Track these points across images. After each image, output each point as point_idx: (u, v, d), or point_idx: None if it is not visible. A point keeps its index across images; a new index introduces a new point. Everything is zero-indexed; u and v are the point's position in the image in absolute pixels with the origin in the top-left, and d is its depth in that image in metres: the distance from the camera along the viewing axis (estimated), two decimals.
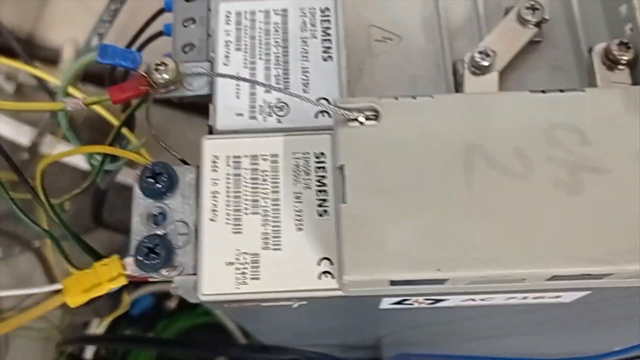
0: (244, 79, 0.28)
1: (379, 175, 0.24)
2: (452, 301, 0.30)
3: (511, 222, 0.24)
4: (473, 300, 0.30)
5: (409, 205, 0.24)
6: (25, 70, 0.83)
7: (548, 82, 0.29)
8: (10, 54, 0.86)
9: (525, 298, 0.29)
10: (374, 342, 0.54)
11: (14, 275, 0.91)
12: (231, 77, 0.28)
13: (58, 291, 0.27)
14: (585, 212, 0.23)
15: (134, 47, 0.36)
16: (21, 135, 0.92)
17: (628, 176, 0.24)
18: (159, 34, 0.35)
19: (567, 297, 0.30)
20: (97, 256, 0.30)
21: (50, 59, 0.99)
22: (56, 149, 0.85)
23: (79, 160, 0.80)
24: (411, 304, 0.30)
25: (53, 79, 0.66)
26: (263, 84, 0.28)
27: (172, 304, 0.87)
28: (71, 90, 0.33)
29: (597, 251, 0.23)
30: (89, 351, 0.82)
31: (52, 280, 0.87)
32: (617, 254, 0.23)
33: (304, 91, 0.29)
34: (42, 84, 0.85)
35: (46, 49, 1.00)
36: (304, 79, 0.29)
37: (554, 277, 0.24)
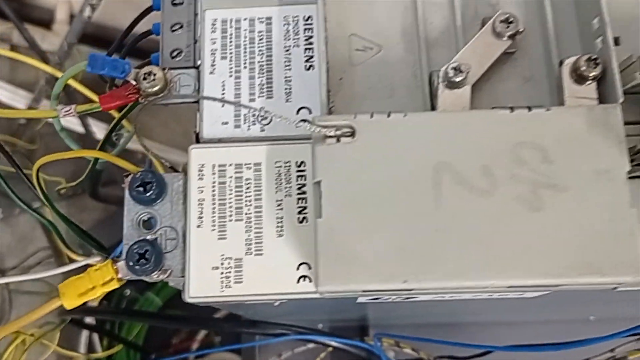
0: (229, 102, 0.29)
1: (354, 191, 0.26)
2: (423, 298, 0.32)
3: (474, 237, 0.25)
4: (443, 297, 0.32)
5: (380, 221, 0.26)
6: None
7: (520, 93, 0.30)
8: (2, 15, 0.85)
9: (490, 296, 0.31)
10: (360, 317, 0.57)
11: (15, 235, 0.93)
12: (216, 99, 0.29)
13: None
14: (543, 228, 0.25)
15: (125, 42, 0.37)
16: (17, 99, 0.93)
17: (586, 194, 0.25)
18: (148, 33, 0.36)
19: (531, 295, 0.32)
20: (101, 247, 0.32)
21: (44, 19, 0.99)
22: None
23: (75, 125, 0.82)
24: (386, 300, 0.32)
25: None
26: (246, 106, 0.29)
27: None
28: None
29: (552, 265, 0.25)
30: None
31: (51, 240, 0.90)
32: (571, 268, 0.25)
33: (287, 100, 0.30)
34: (34, 49, 0.85)
35: (39, 9, 1.00)
36: (287, 88, 0.30)
37: (513, 287, 0.26)
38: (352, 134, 0.27)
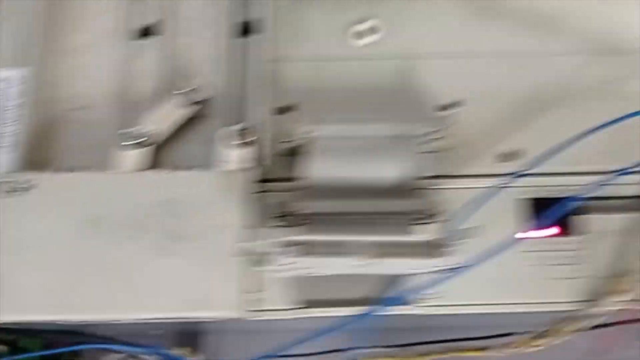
0: None
1: (26, 238, 0.32)
2: None
3: (117, 279, 0.31)
4: None
5: (44, 264, 0.32)
6: None
7: (202, 155, 0.35)
8: None
9: None
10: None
11: None
12: None
13: None
14: (169, 271, 0.31)
15: None
16: None
17: (204, 244, 0.32)
18: None
19: None
20: None
21: None
22: None
23: None
24: None
25: None
26: None
27: None
28: None
29: (172, 302, 0.31)
30: None
31: None
32: (186, 304, 0.31)
33: None
34: None
35: None
36: None
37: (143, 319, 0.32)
38: (32, 188, 0.33)
